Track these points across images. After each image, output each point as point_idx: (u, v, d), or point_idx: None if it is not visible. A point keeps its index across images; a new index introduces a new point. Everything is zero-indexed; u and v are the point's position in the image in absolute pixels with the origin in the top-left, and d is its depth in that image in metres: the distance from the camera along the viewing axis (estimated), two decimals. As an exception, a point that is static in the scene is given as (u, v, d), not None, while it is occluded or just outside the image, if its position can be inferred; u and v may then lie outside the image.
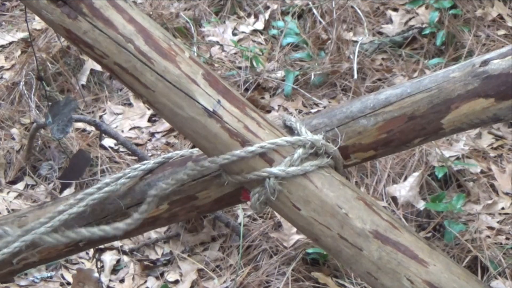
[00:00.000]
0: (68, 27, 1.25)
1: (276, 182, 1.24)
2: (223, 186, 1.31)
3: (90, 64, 3.44)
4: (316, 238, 1.26)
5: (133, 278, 2.66)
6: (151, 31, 1.26)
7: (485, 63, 1.21)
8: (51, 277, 2.68)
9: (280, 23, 3.67)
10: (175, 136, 3.17)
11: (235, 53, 3.57)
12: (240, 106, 1.26)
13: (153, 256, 2.70)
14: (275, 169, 1.23)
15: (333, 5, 3.57)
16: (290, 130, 1.30)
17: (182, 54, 1.26)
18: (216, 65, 3.46)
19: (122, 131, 3.20)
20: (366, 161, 1.34)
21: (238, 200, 1.35)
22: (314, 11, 3.63)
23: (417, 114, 1.25)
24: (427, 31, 3.48)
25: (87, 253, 2.69)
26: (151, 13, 3.62)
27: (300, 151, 1.25)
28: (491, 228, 2.62)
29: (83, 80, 3.45)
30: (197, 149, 1.37)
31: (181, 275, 2.63)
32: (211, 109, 1.25)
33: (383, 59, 3.46)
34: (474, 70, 1.22)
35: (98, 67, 3.41)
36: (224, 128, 1.25)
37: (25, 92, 3.31)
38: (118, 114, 3.33)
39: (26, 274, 2.60)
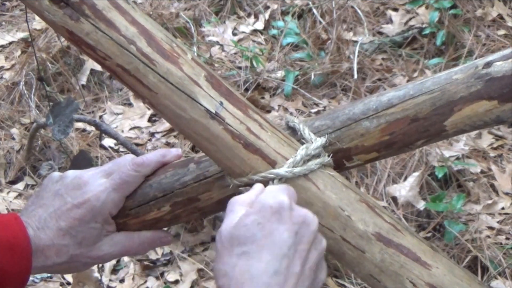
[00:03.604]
0: (71, 28, 1.24)
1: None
2: (225, 188, 1.30)
3: (90, 64, 3.44)
4: (318, 240, 1.26)
5: (133, 278, 2.66)
6: (154, 33, 1.26)
7: (488, 65, 1.20)
8: (51, 277, 2.68)
9: (280, 23, 3.67)
10: (175, 136, 3.17)
11: (235, 53, 3.56)
12: (242, 108, 1.26)
13: (153, 256, 2.69)
14: (281, 170, 1.22)
15: (333, 5, 3.57)
16: (293, 132, 1.30)
17: (184, 55, 1.26)
18: (216, 65, 3.46)
19: (122, 131, 3.20)
20: (368, 163, 1.33)
21: (240, 202, 1.34)
22: (314, 11, 3.63)
23: (420, 116, 1.24)
24: (427, 31, 3.48)
25: (87, 253, 2.68)
26: (151, 13, 3.62)
27: (303, 152, 1.24)
28: (491, 228, 2.63)
29: (83, 80, 3.45)
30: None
31: (181, 275, 2.63)
32: (214, 111, 1.24)
33: (383, 59, 3.46)
34: (477, 72, 1.22)
35: (98, 67, 3.41)
36: (227, 130, 1.24)
37: (25, 92, 3.31)
38: (118, 114, 3.33)
39: (26, 274, 2.60)
